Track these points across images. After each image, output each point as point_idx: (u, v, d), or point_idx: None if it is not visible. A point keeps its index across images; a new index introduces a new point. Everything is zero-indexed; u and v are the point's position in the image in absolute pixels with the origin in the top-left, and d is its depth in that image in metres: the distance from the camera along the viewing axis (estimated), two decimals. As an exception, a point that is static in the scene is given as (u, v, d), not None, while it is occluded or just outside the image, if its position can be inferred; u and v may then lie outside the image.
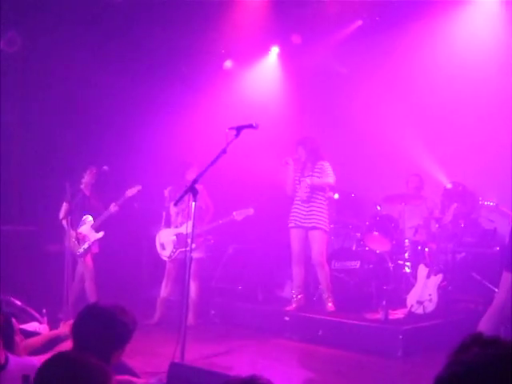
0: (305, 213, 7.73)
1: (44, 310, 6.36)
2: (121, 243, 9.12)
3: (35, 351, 4.28)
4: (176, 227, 8.33)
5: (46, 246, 9.52)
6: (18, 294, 7.32)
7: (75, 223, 8.44)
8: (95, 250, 8.54)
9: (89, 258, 8.46)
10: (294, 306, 7.83)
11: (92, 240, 8.41)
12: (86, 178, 8.52)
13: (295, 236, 7.85)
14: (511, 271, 5.17)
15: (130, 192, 8.32)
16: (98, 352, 3.04)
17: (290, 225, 7.88)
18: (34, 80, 9.75)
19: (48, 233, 9.40)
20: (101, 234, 8.44)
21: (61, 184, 8.01)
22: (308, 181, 7.62)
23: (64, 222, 8.32)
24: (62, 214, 8.39)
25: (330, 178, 7.66)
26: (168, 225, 8.49)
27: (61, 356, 2.54)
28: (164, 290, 8.43)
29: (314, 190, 7.69)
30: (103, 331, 3.22)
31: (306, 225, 7.72)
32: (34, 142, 9.85)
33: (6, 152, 9.66)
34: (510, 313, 5.20)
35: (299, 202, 7.80)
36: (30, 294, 7.88)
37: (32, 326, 5.83)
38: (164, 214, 8.62)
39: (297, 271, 7.89)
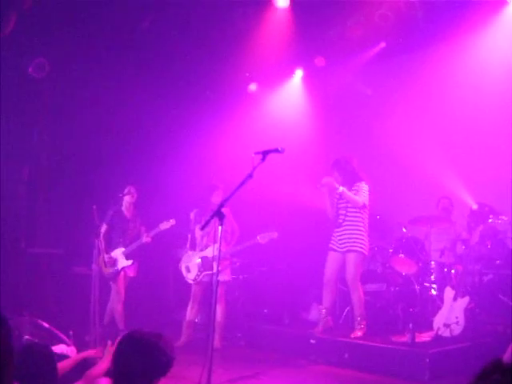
0: (340, 236, 7.62)
1: (71, 332, 6.40)
2: (147, 266, 9.14)
3: (65, 375, 4.30)
4: (201, 250, 8.37)
5: (72, 268, 9.61)
6: (45, 316, 7.41)
7: (113, 245, 8.53)
8: (131, 273, 8.60)
9: (119, 281, 8.51)
10: (321, 327, 7.79)
11: (120, 267, 8.46)
12: (126, 199, 8.55)
13: (330, 258, 7.72)
14: None
15: (164, 226, 8.30)
16: (139, 381, 3.05)
17: (329, 246, 7.78)
18: (62, 104, 9.91)
19: (74, 255, 9.50)
20: (129, 262, 8.46)
21: (87, 207, 8.08)
22: (340, 189, 7.48)
23: (101, 243, 8.27)
24: (101, 235, 8.31)
25: (360, 197, 7.51)
26: (193, 248, 8.52)
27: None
28: (190, 313, 8.46)
29: (348, 209, 7.57)
30: (146, 360, 3.20)
31: (341, 249, 7.62)
32: (61, 165, 9.99)
33: (34, 175, 9.80)
34: None
35: (336, 226, 7.70)
36: (57, 317, 7.97)
37: (60, 349, 5.86)
38: (189, 236, 8.65)
39: (327, 293, 7.78)
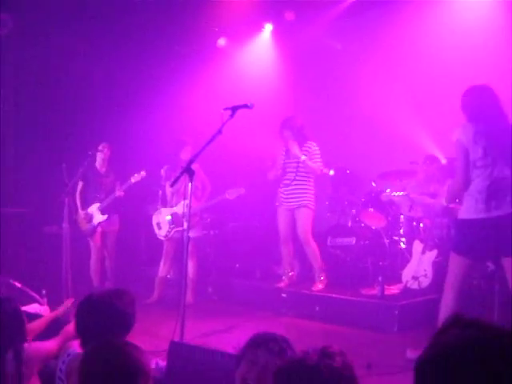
0: (290, 194, 7.79)
1: (44, 291, 6.41)
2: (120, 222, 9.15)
3: (39, 335, 4.32)
4: (171, 207, 8.37)
5: (43, 228, 9.56)
6: (18, 277, 7.40)
7: (88, 201, 8.68)
8: (111, 227, 8.78)
9: (96, 237, 8.68)
10: (285, 282, 7.95)
11: (96, 222, 8.59)
12: (100, 155, 8.66)
13: (281, 215, 7.95)
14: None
15: (135, 178, 8.41)
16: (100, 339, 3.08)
17: (277, 204, 8.01)
18: (30, 65, 9.74)
19: (45, 214, 9.43)
20: (105, 217, 8.60)
21: (58, 165, 8.02)
22: (303, 157, 7.61)
23: (77, 200, 8.62)
24: (77, 193, 8.61)
25: (318, 163, 7.72)
26: (164, 204, 8.54)
27: (103, 347, 2.57)
28: (162, 269, 8.50)
29: (299, 170, 7.73)
30: (105, 319, 3.25)
31: (291, 205, 7.80)
32: (30, 125, 9.84)
33: (2, 136, 9.66)
34: None
35: (285, 184, 7.86)
36: (29, 276, 7.95)
37: (33, 308, 5.88)
38: (160, 193, 8.68)
39: (285, 250, 8.01)
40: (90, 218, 8.61)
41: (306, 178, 7.77)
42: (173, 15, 9.74)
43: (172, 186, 6.04)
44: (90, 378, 2.48)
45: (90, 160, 8.44)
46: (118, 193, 8.48)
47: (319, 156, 7.77)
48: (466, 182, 4.99)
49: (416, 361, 1.50)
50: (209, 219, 9.17)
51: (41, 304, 6.14)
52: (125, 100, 10.28)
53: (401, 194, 7.92)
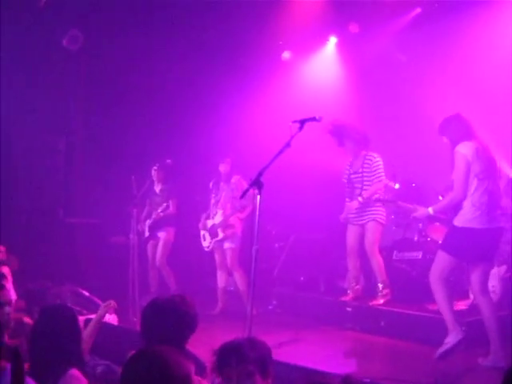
0: (358, 208, 7.72)
1: (112, 302, 6.52)
2: (183, 235, 9.30)
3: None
4: (212, 218, 8.50)
5: (110, 238, 9.76)
6: (85, 286, 7.57)
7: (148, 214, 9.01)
8: (160, 240, 8.99)
9: (148, 249, 9.08)
10: (350, 296, 7.88)
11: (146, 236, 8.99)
12: (154, 174, 8.90)
13: (350, 230, 7.91)
14: None
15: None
16: (170, 343, 3.14)
17: (343, 217, 7.95)
18: (98, 76, 9.98)
19: (112, 225, 9.64)
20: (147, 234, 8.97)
21: (124, 177, 8.21)
22: (360, 199, 7.62)
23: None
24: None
25: (379, 182, 7.68)
26: (208, 216, 8.66)
27: (144, 353, 2.55)
28: (220, 280, 8.64)
29: (364, 183, 7.73)
30: (169, 322, 3.32)
31: (360, 221, 7.75)
32: (98, 137, 10.11)
33: (71, 147, 9.92)
34: None
35: (352, 198, 7.83)
36: (97, 286, 8.12)
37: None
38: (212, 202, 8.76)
39: (351, 263, 7.95)
40: (142, 231, 8.96)
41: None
42: (238, 28, 9.85)
43: (241, 198, 6.08)
44: None
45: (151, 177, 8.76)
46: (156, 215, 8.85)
47: (381, 169, 7.70)
48: (466, 194, 5.68)
49: (505, 373, 1.48)
50: (274, 231, 9.20)
51: (109, 313, 6.25)
52: (191, 114, 10.43)
53: None
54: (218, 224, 8.34)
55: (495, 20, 8.76)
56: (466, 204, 5.71)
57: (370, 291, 8.10)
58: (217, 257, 8.57)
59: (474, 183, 5.69)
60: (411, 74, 9.87)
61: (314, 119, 5.19)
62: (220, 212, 8.35)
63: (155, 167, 8.81)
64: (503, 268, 7.12)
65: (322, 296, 8.54)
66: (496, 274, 7.08)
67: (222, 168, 8.42)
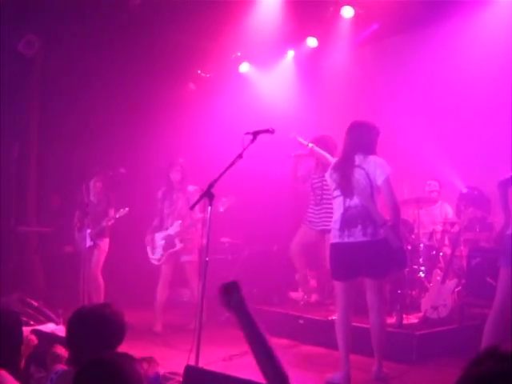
0: (317, 214, 7.73)
1: (60, 311, 6.42)
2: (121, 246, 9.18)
3: None
4: (166, 229, 8.28)
5: (62, 247, 9.61)
6: (35, 295, 7.42)
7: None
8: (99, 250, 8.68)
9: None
10: (301, 292, 8.11)
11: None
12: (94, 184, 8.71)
13: (302, 231, 7.96)
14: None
15: (119, 214, 8.47)
16: (94, 353, 3.08)
17: (303, 220, 7.97)
18: (52, 82, 9.86)
19: (63, 234, 9.49)
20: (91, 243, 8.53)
21: (78, 185, 8.11)
22: (310, 145, 7.33)
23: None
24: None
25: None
26: (160, 227, 8.39)
27: (95, 362, 2.54)
28: (162, 295, 8.32)
29: (324, 188, 7.56)
30: (94, 332, 3.23)
31: (316, 227, 7.76)
32: (52, 143, 9.96)
33: (24, 154, 9.76)
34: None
35: (312, 203, 7.84)
36: (47, 295, 7.98)
37: (48, 327, 5.89)
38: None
39: (298, 262, 8.07)
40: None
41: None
42: (195, 39, 9.85)
43: (191, 209, 6.03)
44: None
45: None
46: (106, 223, 8.54)
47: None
48: None
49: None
50: (226, 243, 9.16)
51: (57, 323, 6.15)
52: (145, 123, 10.39)
53: None
54: (175, 234, 8.13)
55: (451, 35, 8.92)
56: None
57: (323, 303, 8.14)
58: (165, 270, 8.27)
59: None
60: (367, 89, 9.99)
61: (267, 131, 5.19)
62: (178, 223, 8.17)
63: (95, 180, 8.65)
64: (454, 282, 7.21)
65: (275, 308, 8.50)
66: (447, 287, 7.16)
67: (173, 176, 8.19)
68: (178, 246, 8.08)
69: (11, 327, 3.65)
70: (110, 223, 8.56)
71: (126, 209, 8.43)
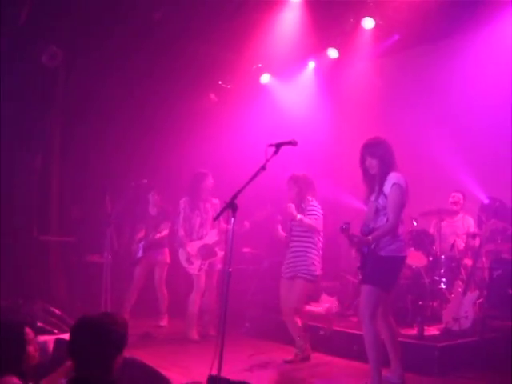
0: (288, 260, 7.25)
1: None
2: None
3: None
4: (200, 238, 8.25)
5: (85, 257, 9.69)
6: (57, 304, 7.48)
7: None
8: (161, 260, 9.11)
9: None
10: (299, 356, 7.22)
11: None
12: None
13: (281, 286, 7.39)
14: None
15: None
16: (96, 362, 3.14)
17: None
18: (75, 93, 9.96)
19: (85, 244, 9.57)
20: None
21: (101, 195, 8.17)
22: (298, 217, 7.01)
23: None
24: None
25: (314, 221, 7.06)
26: (190, 236, 8.32)
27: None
28: (195, 303, 8.30)
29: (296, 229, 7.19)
30: (96, 340, 3.25)
31: (286, 274, 7.28)
32: (75, 154, 10.04)
33: (46, 164, 9.85)
34: None
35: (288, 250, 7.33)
36: (69, 305, 8.04)
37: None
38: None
39: (291, 325, 7.33)
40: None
41: (305, 239, 7.17)
42: (216, 51, 9.92)
43: (215, 220, 6.05)
44: None
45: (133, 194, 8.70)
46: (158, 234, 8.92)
47: (318, 213, 7.14)
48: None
49: None
50: (248, 254, 9.19)
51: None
52: (168, 135, 10.46)
53: None
54: (214, 243, 8.08)
55: (473, 46, 8.92)
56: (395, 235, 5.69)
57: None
58: (202, 278, 8.21)
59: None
60: (388, 99, 10.00)
61: (290, 143, 5.21)
62: (215, 231, 8.13)
63: (153, 193, 9.03)
64: (475, 294, 7.18)
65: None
66: (468, 299, 7.13)
67: (206, 185, 8.15)
68: (220, 254, 8.11)
69: (13, 337, 3.73)
70: (163, 235, 8.90)
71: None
